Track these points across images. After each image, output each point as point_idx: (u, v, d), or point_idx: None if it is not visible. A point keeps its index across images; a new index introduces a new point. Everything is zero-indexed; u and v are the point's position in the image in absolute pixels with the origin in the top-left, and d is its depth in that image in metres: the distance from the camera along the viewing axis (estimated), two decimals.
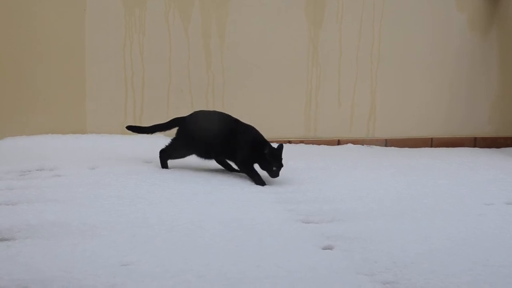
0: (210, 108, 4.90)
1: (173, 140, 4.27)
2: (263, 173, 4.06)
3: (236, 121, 4.18)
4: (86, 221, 3.07)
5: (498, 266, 2.74)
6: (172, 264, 2.63)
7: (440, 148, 5.55)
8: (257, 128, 4.12)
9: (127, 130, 4.40)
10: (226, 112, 4.25)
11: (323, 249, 2.91)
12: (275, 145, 4.00)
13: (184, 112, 4.28)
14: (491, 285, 2.55)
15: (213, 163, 4.32)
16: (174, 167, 4.26)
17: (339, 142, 5.38)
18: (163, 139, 4.72)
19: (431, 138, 5.61)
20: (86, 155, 4.48)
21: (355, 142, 5.39)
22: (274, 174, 3.96)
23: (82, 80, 4.91)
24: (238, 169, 4.20)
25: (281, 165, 3.97)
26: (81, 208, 3.30)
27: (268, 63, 5.21)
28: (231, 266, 2.65)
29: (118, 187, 3.73)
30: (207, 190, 3.78)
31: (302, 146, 5.23)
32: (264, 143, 4.01)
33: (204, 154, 4.20)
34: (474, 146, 5.69)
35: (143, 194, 3.61)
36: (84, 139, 4.85)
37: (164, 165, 4.26)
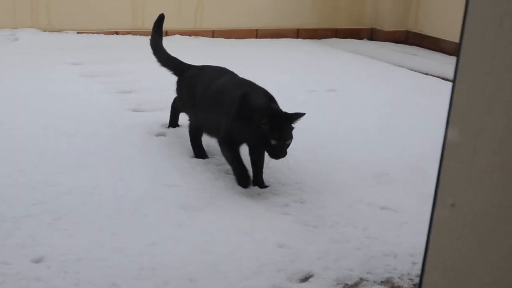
0: None
1: None
2: None
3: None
4: None
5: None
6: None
7: (265, 39, 5.70)
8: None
9: None
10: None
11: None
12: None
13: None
14: None
15: None
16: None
17: (166, 33, 5.33)
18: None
19: (257, 30, 5.73)
20: None
21: (182, 33, 5.38)
22: (274, 151, 2.48)
23: None
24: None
25: (283, 137, 2.50)
26: None
27: None
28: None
29: None
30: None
31: (129, 37, 5.13)
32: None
33: None
34: (297, 37, 5.89)
35: None
36: None
37: None
